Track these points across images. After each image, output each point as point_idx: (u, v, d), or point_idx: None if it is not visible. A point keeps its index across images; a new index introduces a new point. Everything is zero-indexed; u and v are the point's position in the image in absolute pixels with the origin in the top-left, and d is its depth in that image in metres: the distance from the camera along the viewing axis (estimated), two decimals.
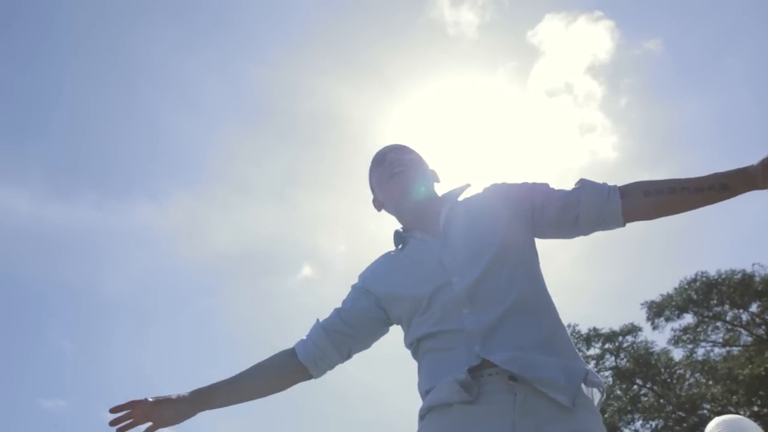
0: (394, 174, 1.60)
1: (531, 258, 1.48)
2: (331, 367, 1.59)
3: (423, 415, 1.38)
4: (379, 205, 1.71)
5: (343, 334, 1.56)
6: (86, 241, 31.38)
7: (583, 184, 1.48)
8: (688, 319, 16.46)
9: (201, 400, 1.48)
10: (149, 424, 1.44)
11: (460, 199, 1.59)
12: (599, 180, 1.48)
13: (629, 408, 16.54)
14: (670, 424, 16.38)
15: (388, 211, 1.68)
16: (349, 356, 1.60)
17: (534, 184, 1.54)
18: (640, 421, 16.90)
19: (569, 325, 16.56)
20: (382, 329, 1.60)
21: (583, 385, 1.30)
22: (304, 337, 1.59)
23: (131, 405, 1.43)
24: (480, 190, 1.60)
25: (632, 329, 16.73)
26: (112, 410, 1.42)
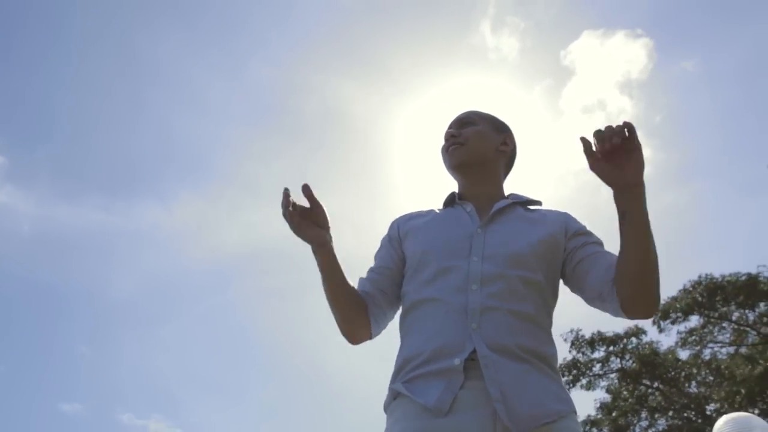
0: (447, 148, 1.60)
1: (548, 292, 1.43)
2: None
3: (407, 379, 1.33)
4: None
5: (393, 295, 1.53)
6: (95, 243, 32.13)
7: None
8: (694, 321, 16.57)
9: (330, 253, 1.43)
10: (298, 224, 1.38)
11: (524, 207, 1.55)
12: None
13: (636, 408, 16.67)
14: (678, 423, 16.50)
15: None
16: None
17: (590, 235, 1.48)
18: (647, 421, 17.03)
19: (572, 331, 16.77)
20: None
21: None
22: (368, 294, 1.50)
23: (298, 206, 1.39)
24: (549, 209, 1.57)
25: (637, 332, 16.91)
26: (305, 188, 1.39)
